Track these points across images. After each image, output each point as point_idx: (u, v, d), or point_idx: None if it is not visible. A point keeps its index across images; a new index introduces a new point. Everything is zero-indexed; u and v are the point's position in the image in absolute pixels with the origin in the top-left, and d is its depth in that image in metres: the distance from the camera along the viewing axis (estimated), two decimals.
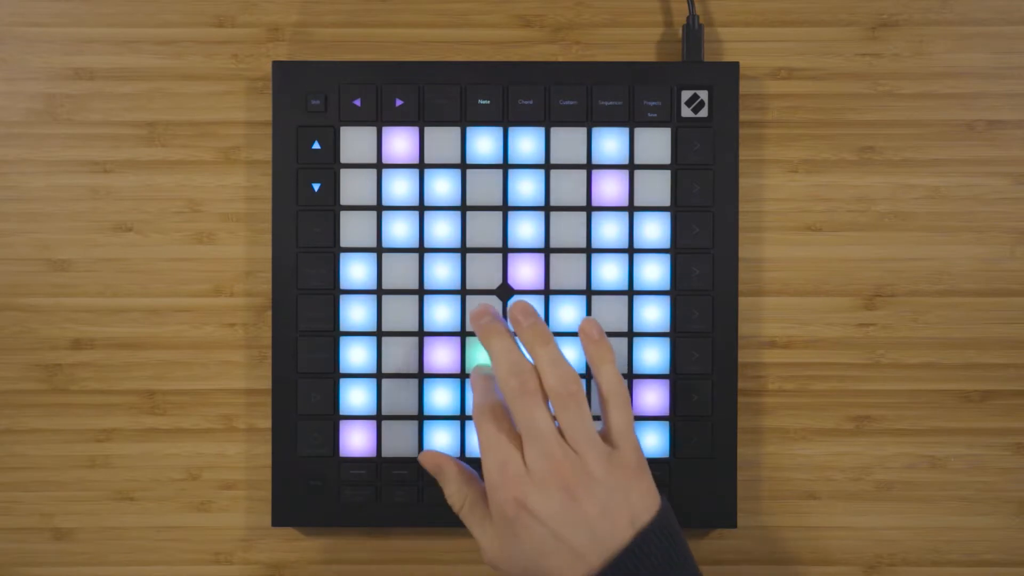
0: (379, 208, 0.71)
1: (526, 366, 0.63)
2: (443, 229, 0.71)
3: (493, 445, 0.62)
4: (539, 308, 0.70)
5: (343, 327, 0.71)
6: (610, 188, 0.71)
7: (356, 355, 0.71)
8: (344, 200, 0.71)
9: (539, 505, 0.61)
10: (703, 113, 0.70)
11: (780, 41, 0.73)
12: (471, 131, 0.71)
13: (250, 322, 0.73)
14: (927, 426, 0.73)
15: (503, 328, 0.65)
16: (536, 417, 0.62)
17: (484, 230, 0.71)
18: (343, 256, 0.71)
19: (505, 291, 0.71)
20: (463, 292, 0.71)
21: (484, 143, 0.71)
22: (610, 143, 0.71)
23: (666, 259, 0.71)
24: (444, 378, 0.71)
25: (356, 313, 0.71)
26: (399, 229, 0.71)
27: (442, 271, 0.71)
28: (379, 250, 0.71)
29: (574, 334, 0.70)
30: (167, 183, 0.73)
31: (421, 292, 0.71)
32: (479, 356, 0.70)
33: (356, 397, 0.71)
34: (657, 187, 0.71)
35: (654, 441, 0.71)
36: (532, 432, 0.62)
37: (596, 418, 0.68)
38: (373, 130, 0.71)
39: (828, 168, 0.73)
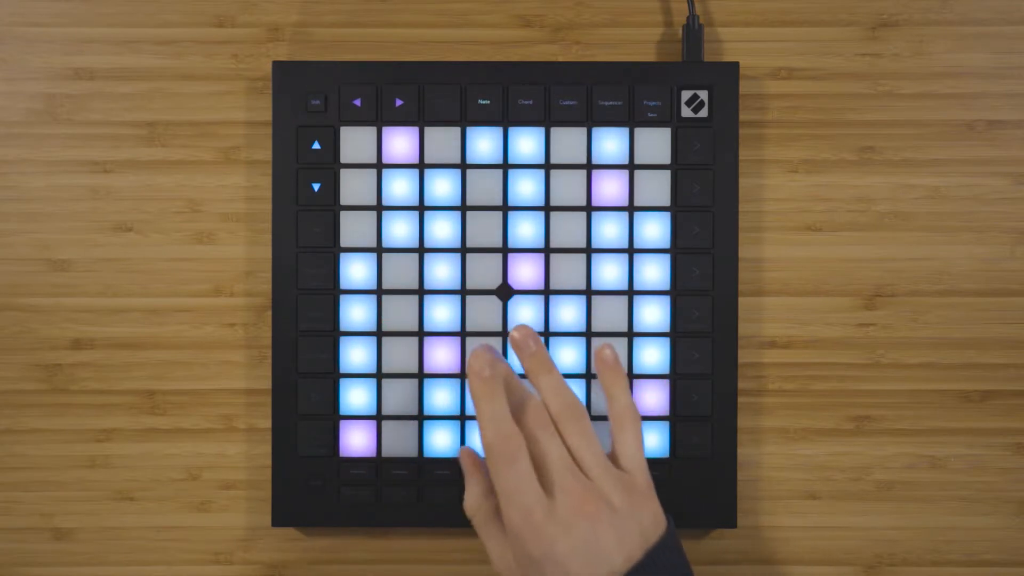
0: (379, 208, 0.71)
1: (533, 400, 0.63)
2: (443, 229, 0.71)
3: (514, 490, 0.61)
4: (539, 308, 0.71)
5: (343, 327, 0.71)
6: (610, 188, 0.71)
7: (356, 355, 0.71)
8: (344, 200, 0.71)
9: (563, 549, 0.60)
10: (703, 113, 0.70)
11: (780, 41, 0.73)
12: (471, 131, 0.71)
13: (250, 322, 0.73)
14: (927, 426, 0.73)
15: (502, 390, 0.63)
16: (551, 451, 0.62)
17: (484, 230, 0.71)
18: (343, 256, 0.71)
19: (505, 291, 0.71)
20: (463, 292, 0.71)
21: (484, 143, 0.71)
22: (610, 143, 0.71)
23: (666, 259, 0.71)
24: (444, 378, 0.71)
25: (356, 313, 0.71)
26: (399, 229, 0.71)
27: (442, 271, 0.71)
28: (379, 250, 0.71)
29: (573, 334, 0.70)
30: (167, 183, 0.73)
31: (421, 292, 0.71)
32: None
33: (356, 397, 0.71)
34: (657, 187, 0.71)
35: (654, 441, 0.71)
36: (550, 466, 0.62)
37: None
38: (373, 130, 0.71)
39: (828, 168, 0.73)
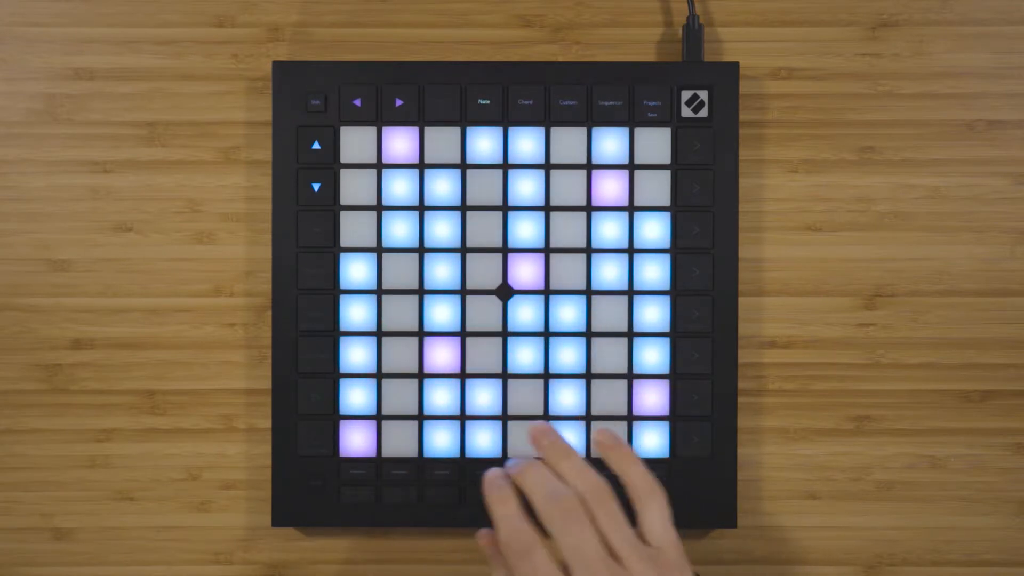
0: (379, 208, 0.71)
1: (559, 488, 0.63)
2: (443, 229, 0.71)
3: None
4: (539, 308, 0.71)
5: (343, 327, 0.71)
6: (610, 188, 0.71)
7: (356, 355, 0.71)
8: (344, 200, 0.71)
9: None
10: (703, 113, 0.70)
11: (780, 41, 0.73)
12: (471, 131, 0.71)
13: (250, 322, 0.73)
14: (927, 426, 0.73)
15: (512, 493, 0.63)
16: (580, 540, 0.61)
17: (484, 230, 0.71)
18: (343, 256, 0.71)
19: (505, 291, 0.71)
20: (463, 292, 0.71)
21: (484, 143, 0.71)
22: (610, 143, 0.71)
23: (666, 259, 0.71)
24: (444, 378, 0.71)
25: (356, 313, 0.71)
26: (399, 229, 0.71)
27: (442, 271, 0.71)
28: (379, 250, 0.71)
29: (574, 334, 0.70)
30: (167, 183, 0.73)
31: (421, 292, 0.71)
32: (478, 358, 0.71)
33: (356, 397, 0.71)
34: (657, 187, 0.71)
35: (654, 441, 0.71)
36: (576, 558, 0.61)
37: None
38: (373, 130, 0.71)
39: (828, 168, 0.73)
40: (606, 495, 0.63)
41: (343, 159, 0.71)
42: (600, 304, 0.71)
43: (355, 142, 0.71)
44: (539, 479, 0.63)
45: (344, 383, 0.71)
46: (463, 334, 0.71)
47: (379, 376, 0.71)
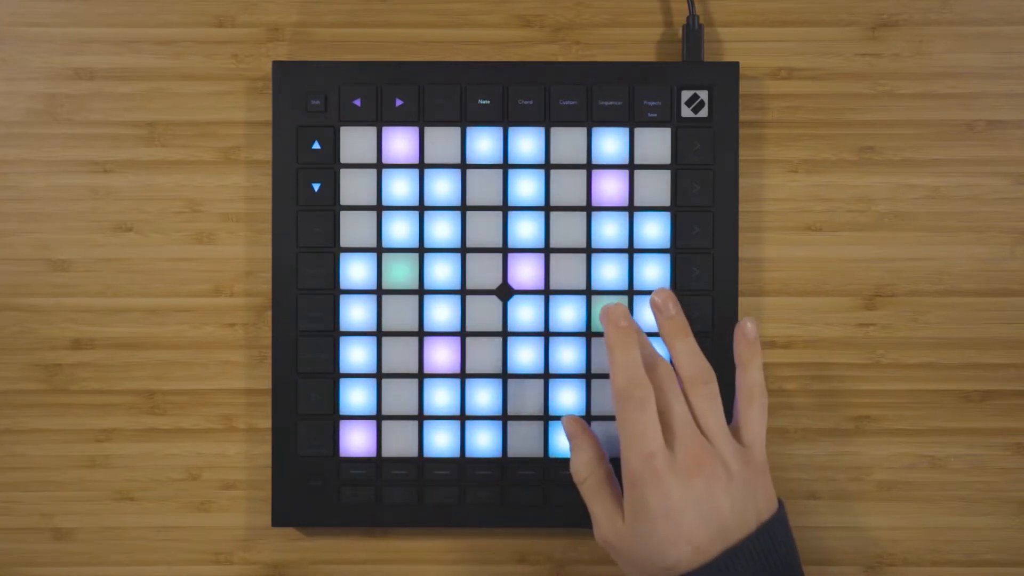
0: (379, 208, 0.71)
1: (663, 361, 0.65)
2: (443, 229, 0.71)
3: (639, 435, 0.62)
4: (539, 308, 0.71)
5: (343, 327, 0.71)
6: (610, 188, 0.71)
7: (356, 355, 0.71)
8: (344, 200, 0.71)
9: (679, 501, 0.61)
10: (703, 113, 0.70)
11: (780, 41, 0.73)
12: (471, 131, 0.71)
13: (250, 322, 0.73)
14: (927, 426, 0.73)
15: (636, 340, 0.64)
16: (676, 408, 0.63)
17: (484, 230, 0.71)
18: (343, 256, 0.71)
19: (505, 291, 0.71)
20: (463, 292, 0.71)
21: (484, 143, 0.71)
22: (610, 143, 0.71)
23: (666, 259, 0.71)
24: (444, 378, 0.71)
25: (356, 313, 0.71)
26: (399, 229, 0.71)
27: (442, 271, 0.71)
28: (379, 250, 0.71)
29: (574, 334, 0.70)
30: (167, 183, 0.73)
31: (421, 292, 0.71)
32: (478, 358, 0.71)
33: (356, 397, 0.71)
34: (657, 187, 0.71)
35: None
36: (673, 421, 0.63)
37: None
38: (373, 130, 0.71)
39: (828, 168, 0.73)
40: (711, 379, 0.64)
41: (343, 159, 0.71)
42: (600, 304, 0.70)
43: (355, 142, 0.71)
44: (633, 354, 0.63)
45: (344, 383, 0.71)
46: (463, 334, 0.71)
47: (379, 376, 0.71)
